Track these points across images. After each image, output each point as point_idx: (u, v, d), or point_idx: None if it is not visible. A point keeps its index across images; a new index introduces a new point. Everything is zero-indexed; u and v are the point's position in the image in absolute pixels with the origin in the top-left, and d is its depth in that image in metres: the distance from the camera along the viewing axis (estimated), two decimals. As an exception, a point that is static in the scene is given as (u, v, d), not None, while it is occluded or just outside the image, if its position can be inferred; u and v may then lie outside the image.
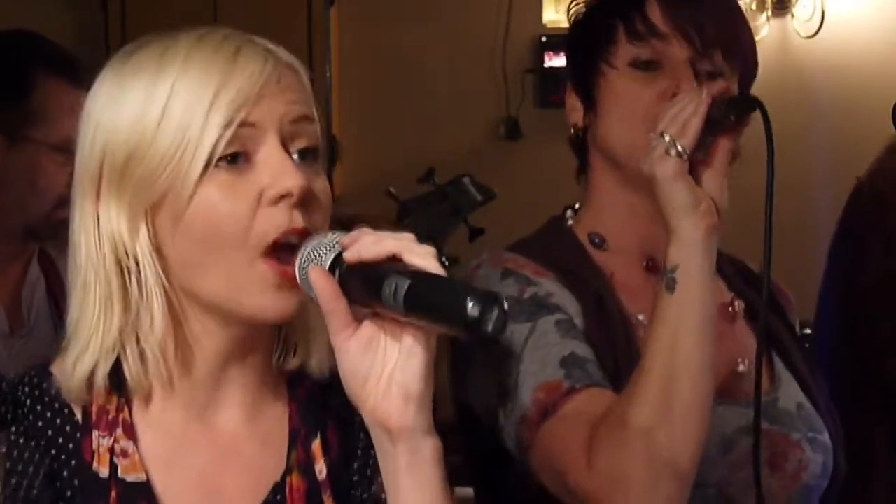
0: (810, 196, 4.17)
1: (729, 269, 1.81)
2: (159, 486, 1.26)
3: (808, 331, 2.31)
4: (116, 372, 1.25)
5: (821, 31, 4.62)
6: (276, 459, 1.31)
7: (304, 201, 1.22)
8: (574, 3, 1.79)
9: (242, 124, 1.21)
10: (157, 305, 1.24)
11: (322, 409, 1.35)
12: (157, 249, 1.24)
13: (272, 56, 1.25)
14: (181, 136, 1.21)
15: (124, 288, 1.24)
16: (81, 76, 2.08)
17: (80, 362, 1.24)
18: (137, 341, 1.25)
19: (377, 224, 1.23)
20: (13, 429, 1.24)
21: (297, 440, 1.33)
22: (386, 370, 1.18)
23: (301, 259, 1.20)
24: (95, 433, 1.25)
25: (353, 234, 1.19)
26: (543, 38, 4.85)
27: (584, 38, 1.76)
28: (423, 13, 4.94)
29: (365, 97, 4.99)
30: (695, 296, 1.54)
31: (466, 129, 4.88)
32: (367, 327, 1.18)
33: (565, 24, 1.85)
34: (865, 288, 2.23)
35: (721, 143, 1.60)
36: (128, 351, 1.25)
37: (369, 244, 1.17)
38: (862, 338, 2.24)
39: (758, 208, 1.58)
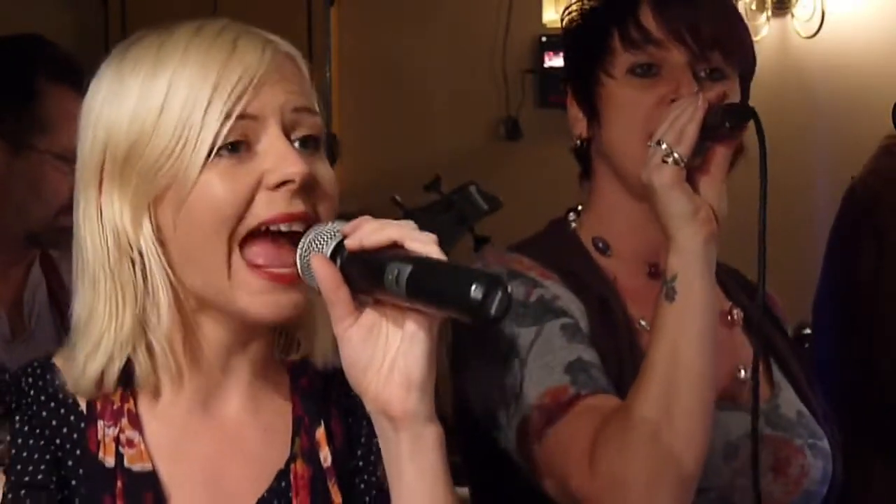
0: (810, 196, 4.18)
1: (725, 277, 1.79)
2: (165, 475, 1.26)
3: (807, 331, 2.31)
4: (124, 367, 1.25)
5: (821, 31, 4.61)
6: (280, 448, 1.31)
7: (307, 188, 1.22)
8: (567, 10, 1.77)
9: (242, 116, 1.21)
10: (164, 298, 1.24)
11: (325, 398, 1.35)
12: (161, 242, 1.24)
13: (270, 46, 1.25)
14: (181, 130, 1.21)
15: (132, 282, 1.24)
16: (86, 84, 2.07)
17: (91, 360, 1.24)
18: (145, 335, 1.25)
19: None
20: (17, 417, 1.24)
21: (301, 428, 1.33)
22: (388, 357, 1.18)
23: (302, 248, 1.20)
24: (100, 423, 1.25)
25: (355, 221, 1.19)
26: (543, 38, 4.85)
27: (581, 47, 1.75)
28: (423, 13, 4.94)
29: (365, 97, 4.99)
30: (695, 305, 1.53)
31: (466, 129, 4.88)
32: (369, 315, 1.18)
33: (565, 25, 1.84)
34: (860, 287, 2.23)
35: (718, 150, 1.59)
36: (136, 346, 1.24)
37: (370, 231, 1.17)
38: (858, 337, 2.24)
39: (756, 212, 1.58)
